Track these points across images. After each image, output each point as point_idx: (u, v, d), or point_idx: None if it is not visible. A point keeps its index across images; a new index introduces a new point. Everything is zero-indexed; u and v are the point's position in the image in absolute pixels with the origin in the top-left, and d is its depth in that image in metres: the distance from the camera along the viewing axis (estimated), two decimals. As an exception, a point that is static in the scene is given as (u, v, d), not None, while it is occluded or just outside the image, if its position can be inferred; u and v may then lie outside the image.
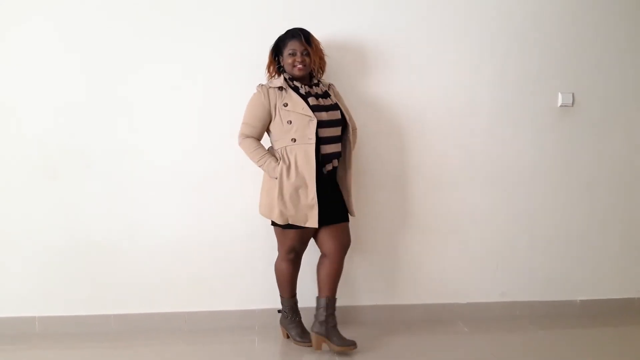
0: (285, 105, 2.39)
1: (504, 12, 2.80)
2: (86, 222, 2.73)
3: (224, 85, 2.70)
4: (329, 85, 2.58)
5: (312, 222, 2.38)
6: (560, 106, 2.89)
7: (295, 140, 2.38)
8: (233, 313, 2.81)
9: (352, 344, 2.46)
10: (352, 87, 2.75)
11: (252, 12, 2.67)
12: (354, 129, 2.59)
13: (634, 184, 3.00)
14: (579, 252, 3.01)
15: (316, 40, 2.46)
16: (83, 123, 2.68)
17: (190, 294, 2.80)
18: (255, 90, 2.45)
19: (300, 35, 2.41)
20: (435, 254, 2.92)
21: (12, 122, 2.66)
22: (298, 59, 2.40)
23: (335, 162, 2.47)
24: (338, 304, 2.51)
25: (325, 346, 2.49)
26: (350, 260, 2.81)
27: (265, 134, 2.49)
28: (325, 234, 2.47)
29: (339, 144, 2.48)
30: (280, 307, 2.67)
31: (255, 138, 2.45)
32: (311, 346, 2.51)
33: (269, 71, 2.52)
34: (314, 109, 2.39)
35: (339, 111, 2.47)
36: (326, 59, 2.54)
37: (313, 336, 2.49)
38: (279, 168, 2.37)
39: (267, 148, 2.49)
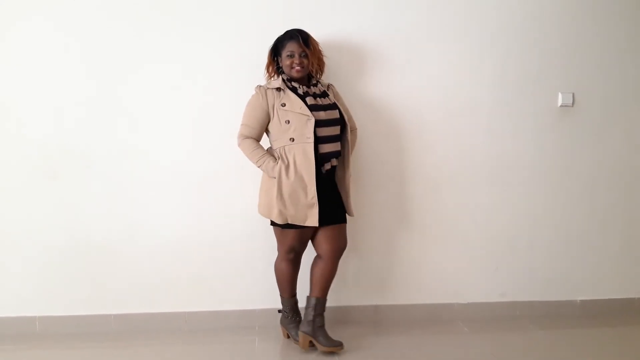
0: (283, 105, 2.39)
1: (504, 12, 2.80)
2: (86, 222, 2.73)
3: (224, 85, 2.70)
4: (328, 86, 2.58)
5: (312, 221, 2.38)
6: (560, 106, 2.89)
7: (293, 140, 2.37)
8: (233, 313, 2.81)
9: (339, 345, 2.46)
10: (351, 87, 2.74)
11: (252, 12, 2.67)
12: (354, 129, 2.60)
13: (634, 184, 3.00)
14: (579, 252, 3.01)
15: (315, 41, 2.45)
16: (83, 123, 2.68)
17: (190, 294, 2.80)
18: (253, 92, 2.45)
19: (298, 37, 2.40)
20: (435, 254, 2.92)
21: (12, 122, 2.66)
22: (296, 61, 2.40)
23: (334, 162, 2.47)
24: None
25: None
26: (350, 261, 2.81)
27: (265, 134, 2.50)
28: (322, 236, 2.47)
29: (338, 143, 2.48)
30: (280, 307, 2.67)
31: (254, 139, 2.45)
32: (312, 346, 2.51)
33: (268, 72, 2.52)
34: (312, 108, 2.39)
35: (337, 110, 2.47)
36: (325, 59, 2.54)
37: (300, 335, 2.50)
38: (277, 167, 2.37)
39: (266, 148, 2.49)
